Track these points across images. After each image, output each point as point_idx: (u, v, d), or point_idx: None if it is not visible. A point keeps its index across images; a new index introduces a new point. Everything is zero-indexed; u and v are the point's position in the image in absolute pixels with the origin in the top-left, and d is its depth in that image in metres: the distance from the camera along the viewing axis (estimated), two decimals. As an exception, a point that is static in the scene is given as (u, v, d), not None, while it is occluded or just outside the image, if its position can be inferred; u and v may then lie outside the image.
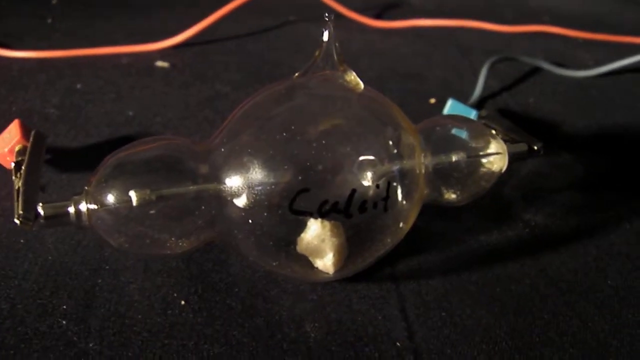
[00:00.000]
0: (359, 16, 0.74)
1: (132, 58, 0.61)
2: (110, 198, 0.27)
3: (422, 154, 0.32)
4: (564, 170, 0.47)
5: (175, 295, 0.31)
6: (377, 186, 0.29)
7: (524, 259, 0.37)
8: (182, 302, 0.31)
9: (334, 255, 0.31)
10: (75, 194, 0.28)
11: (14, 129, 0.39)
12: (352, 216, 0.29)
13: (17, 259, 0.33)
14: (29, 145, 0.33)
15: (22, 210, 0.26)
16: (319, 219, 0.30)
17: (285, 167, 0.28)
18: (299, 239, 0.31)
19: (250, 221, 0.28)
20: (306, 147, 0.28)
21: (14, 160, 0.34)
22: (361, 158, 0.29)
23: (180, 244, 0.29)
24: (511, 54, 0.64)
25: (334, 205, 0.28)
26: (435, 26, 0.75)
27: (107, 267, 0.33)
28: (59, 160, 0.43)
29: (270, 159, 0.28)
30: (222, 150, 0.29)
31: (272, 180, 0.28)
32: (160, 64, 0.60)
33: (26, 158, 0.31)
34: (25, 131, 0.38)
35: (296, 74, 0.31)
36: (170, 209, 0.28)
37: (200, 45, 0.65)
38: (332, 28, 0.31)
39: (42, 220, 0.27)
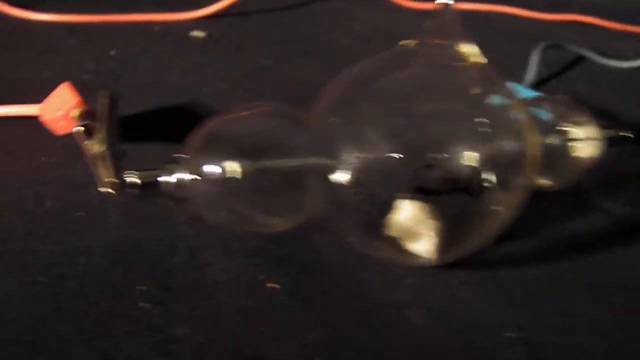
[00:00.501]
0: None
1: (165, 27, 0.57)
2: (212, 168, 0.24)
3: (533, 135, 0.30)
4: (630, 159, 0.45)
5: (262, 277, 0.28)
6: (496, 166, 0.27)
7: (613, 247, 0.34)
8: (275, 285, 0.28)
9: (434, 239, 0.29)
10: (165, 162, 0.25)
11: (66, 93, 0.35)
12: (473, 193, 0.26)
13: (76, 234, 0.30)
14: (100, 107, 0.29)
15: (115, 177, 0.23)
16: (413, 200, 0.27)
17: (401, 140, 0.25)
18: (388, 220, 0.28)
19: (357, 198, 0.26)
20: (424, 120, 0.26)
21: (76, 124, 0.31)
22: (481, 135, 0.27)
23: (281, 221, 0.26)
24: (552, 41, 0.62)
25: (455, 183, 0.26)
26: (469, 10, 0.72)
27: (181, 244, 0.30)
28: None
29: (384, 131, 0.25)
30: (331, 120, 0.26)
31: (384, 154, 0.25)
32: (195, 33, 0.56)
33: (105, 121, 0.27)
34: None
35: (403, 41, 0.29)
36: (274, 182, 0.25)
37: (233, 16, 0.61)
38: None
39: (133, 189, 0.24)
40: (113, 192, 0.23)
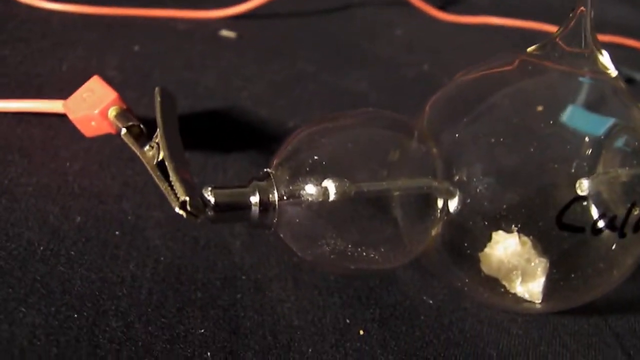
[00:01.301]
0: (429, 7, 0.67)
1: (190, 25, 0.52)
2: (308, 188, 0.19)
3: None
4: None
5: (348, 321, 0.23)
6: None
7: None
8: (361, 332, 0.23)
9: (544, 281, 0.24)
10: (255, 178, 0.20)
11: (98, 87, 0.30)
12: (625, 235, 0.22)
13: (115, 259, 0.25)
14: (160, 106, 0.24)
15: (187, 195, 0.18)
16: (515, 233, 0.23)
17: (555, 165, 0.21)
18: (483, 254, 0.24)
19: (489, 231, 0.21)
20: (562, 140, 0.21)
21: (120, 125, 0.26)
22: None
23: (381, 257, 0.21)
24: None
25: (612, 220, 0.21)
26: (500, 25, 0.69)
27: (244, 276, 0.25)
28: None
29: (532, 152, 0.21)
30: (457, 136, 0.21)
31: (537, 180, 0.21)
32: (225, 33, 0.51)
33: (162, 126, 0.22)
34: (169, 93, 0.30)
35: (531, 47, 0.24)
36: (387, 209, 0.20)
37: (263, 17, 0.56)
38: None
39: (212, 212, 0.19)
40: (190, 214, 0.18)
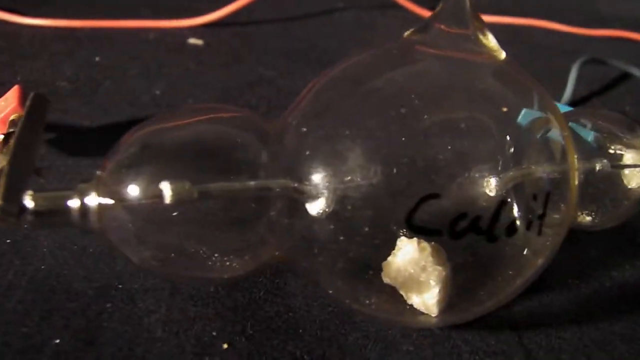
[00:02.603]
0: (415, 6, 0.65)
1: (161, 34, 0.52)
2: (134, 190, 0.18)
3: (576, 157, 0.23)
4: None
5: (214, 334, 0.22)
6: (534, 197, 0.20)
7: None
8: (225, 346, 0.22)
9: (440, 291, 0.22)
10: (83, 182, 0.19)
11: (10, 96, 0.30)
12: (497, 239, 0.20)
13: (-1, 266, 0.24)
14: (27, 112, 0.23)
15: (3, 199, 0.17)
16: (414, 239, 0.21)
17: (406, 159, 0.19)
18: (385, 263, 0.22)
19: (342, 237, 0.19)
20: (425, 133, 0.19)
21: (4, 131, 0.25)
22: (510, 155, 0.20)
23: (229, 264, 0.20)
24: (593, 55, 0.54)
25: (475, 221, 0.19)
26: (499, 23, 0.66)
27: (121, 285, 0.24)
28: (65, 140, 0.34)
29: (370, 147, 0.19)
30: (300, 131, 0.20)
31: (370, 178, 0.19)
32: (193, 41, 0.51)
33: (18, 128, 0.22)
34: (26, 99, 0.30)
35: (408, 32, 0.22)
36: (220, 212, 0.19)
37: (236, 25, 0.56)
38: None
39: (30, 216, 0.18)
40: (2, 219, 0.17)
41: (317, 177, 0.19)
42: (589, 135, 0.28)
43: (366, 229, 0.19)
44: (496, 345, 0.23)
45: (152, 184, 0.18)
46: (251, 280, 0.25)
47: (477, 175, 0.19)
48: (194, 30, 0.53)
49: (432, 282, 0.22)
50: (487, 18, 0.62)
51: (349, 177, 0.19)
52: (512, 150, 0.20)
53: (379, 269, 0.22)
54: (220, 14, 0.54)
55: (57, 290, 0.23)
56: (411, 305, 0.22)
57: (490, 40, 0.23)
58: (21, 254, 0.25)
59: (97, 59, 0.45)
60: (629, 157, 0.27)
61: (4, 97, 0.31)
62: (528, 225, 0.20)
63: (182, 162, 0.19)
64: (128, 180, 0.18)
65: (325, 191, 0.19)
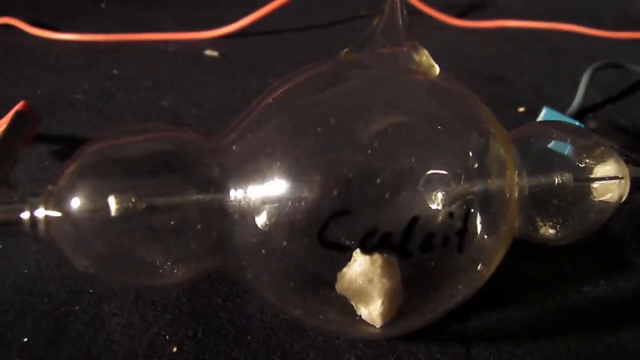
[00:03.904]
0: (439, 14, 0.65)
1: (180, 46, 0.54)
2: (80, 203, 0.20)
3: (516, 172, 0.23)
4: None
5: (167, 337, 0.24)
6: (451, 214, 0.20)
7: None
8: (174, 349, 0.23)
9: (382, 303, 0.23)
10: (34, 194, 0.21)
11: (11, 112, 0.33)
12: (411, 255, 0.20)
13: (-13, 267, 0.27)
14: (7, 126, 0.26)
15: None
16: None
17: (318, 177, 0.20)
18: (340, 274, 0.22)
19: (264, 251, 0.20)
20: (351, 151, 0.20)
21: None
22: (429, 172, 0.20)
23: (171, 272, 0.21)
24: (614, 61, 0.52)
25: (385, 237, 0.20)
26: (523, 27, 0.65)
27: (92, 290, 0.26)
28: (69, 152, 0.36)
29: (297, 163, 0.20)
30: (234, 148, 0.21)
31: (298, 194, 0.20)
32: (209, 52, 0.53)
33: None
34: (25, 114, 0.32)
35: (345, 50, 0.23)
36: (162, 224, 0.20)
37: (256, 35, 0.58)
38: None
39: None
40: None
41: (250, 193, 0.20)
42: (565, 148, 0.27)
43: (284, 243, 0.20)
44: (440, 359, 0.24)
45: (98, 198, 0.20)
46: (212, 287, 0.26)
47: (388, 192, 0.20)
48: (214, 42, 0.55)
49: (376, 295, 0.22)
50: (504, 23, 0.62)
51: (278, 192, 0.20)
52: (441, 165, 0.21)
53: (323, 282, 0.22)
54: (239, 25, 0.56)
55: (34, 293, 0.25)
56: (360, 317, 0.23)
57: (424, 57, 0.23)
58: (8, 259, 0.27)
59: (114, 71, 0.48)
60: (599, 169, 0.27)
61: (9, 114, 0.34)
62: (445, 241, 0.20)
63: (127, 177, 0.20)
64: (75, 193, 0.20)
65: (257, 207, 0.20)
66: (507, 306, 0.27)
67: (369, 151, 0.20)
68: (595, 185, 0.26)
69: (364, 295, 0.23)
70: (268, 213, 0.20)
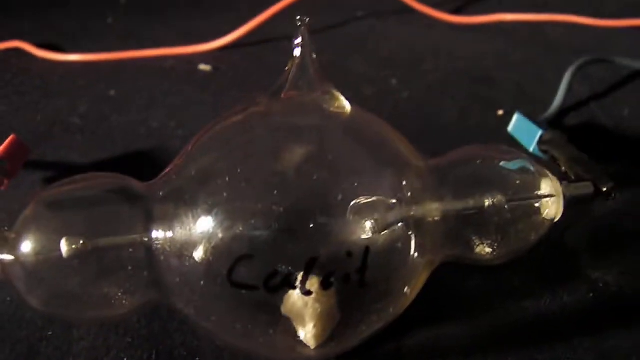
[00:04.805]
0: (433, 11, 0.65)
1: (177, 61, 0.57)
2: (32, 247, 0.23)
3: (434, 199, 0.25)
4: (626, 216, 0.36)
5: (125, 359, 0.26)
6: (349, 253, 0.22)
7: (585, 336, 0.28)
8: (129, 371, 0.26)
9: (315, 326, 0.25)
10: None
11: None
12: (311, 293, 0.22)
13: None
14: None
15: None
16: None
17: (227, 223, 0.22)
18: (286, 296, 0.24)
19: (187, 289, 0.23)
20: (253, 199, 0.22)
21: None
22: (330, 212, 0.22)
23: (119, 304, 0.24)
24: (609, 54, 0.52)
25: (287, 277, 0.22)
26: (520, 21, 0.65)
27: (64, 316, 0.29)
28: (61, 178, 0.39)
29: (208, 211, 0.22)
30: (160, 194, 0.23)
31: (209, 239, 0.22)
32: (203, 67, 0.55)
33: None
34: (15, 148, 0.36)
35: (260, 98, 0.25)
36: (102, 263, 0.23)
37: (251, 46, 0.60)
38: (307, 36, 0.24)
39: None
40: None
41: (170, 236, 0.23)
42: (515, 166, 0.28)
43: (201, 282, 0.22)
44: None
45: (49, 241, 0.23)
46: (170, 311, 0.28)
47: (287, 237, 0.22)
48: (209, 55, 0.57)
49: (308, 318, 0.25)
50: (500, 17, 0.61)
51: (192, 239, 0.22)
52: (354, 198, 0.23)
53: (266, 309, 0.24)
54: (234, 37, 0.58)
55: (13, 320, 0.28)
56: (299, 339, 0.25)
57: (337, 98, 0.25)
58: (-2, 287, 0.30)
59: (112, 92, 0.51)
60: (542, 188, 0.28)
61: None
62: (346, 278, 0.22)
63: (74, 221, 0.23)
64: (29, 237, 0.23)
65: (177, 249, 0.22)
66: (445, 323, 0.28)
67: (277, 196, 0.22)
68: (536, 204, 0.27)
69: (300, 318, 0.25)
70: (186, 255, 0.22)
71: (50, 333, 0.28)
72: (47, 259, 0.23)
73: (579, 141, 0.38)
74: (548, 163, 0.34)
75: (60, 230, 0.23)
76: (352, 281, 0.22)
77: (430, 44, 0.60)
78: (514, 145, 0.40)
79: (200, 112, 0.48)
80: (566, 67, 0.48)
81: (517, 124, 0.41)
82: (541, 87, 0.51)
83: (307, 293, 0.22)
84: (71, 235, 0.23)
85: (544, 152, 0.36)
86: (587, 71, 0.49)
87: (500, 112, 0.46)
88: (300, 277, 0.22)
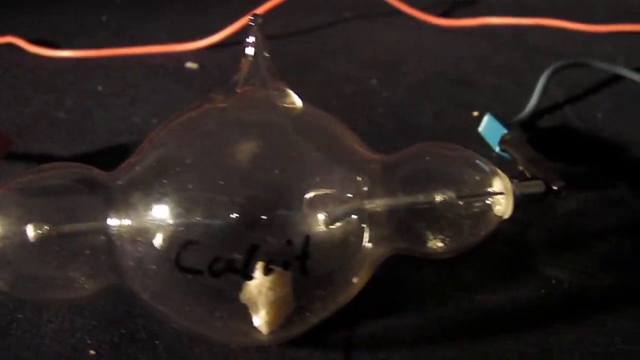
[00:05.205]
0: (421, 13, 0.66)
1: (165, 59, 0.58)
2: (16, 233, 0.24)
3: (386, 193, 0.26)
4: (617, 210, 0.37)
5: (89, 342, 0.28)
6: (289, 242, 0.24)
7: (531, 330, 0.29)
8: (92, 352, 0.27)
9: (267, 313, 0.26)
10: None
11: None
12: (252, 279, 0.24)
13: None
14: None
15: None
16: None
17: (177, 210, 0.23)
18: (245, 284, 0.26)
19: (140, 273, 0.24)
20: (205, 185, 0.24)
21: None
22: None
23: (81, 288, 0.25)
24: (587, 58, 0.53)
25: (230, 262, 0.23)
26: (506, 24, 0.66)
27: (35, 299, 0.30)
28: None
29: (159, 199, 0.23)
30: (119, 183, 0.25)
31: (158, 225, 0.23)
32: (189, 65, 0.57)
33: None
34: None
35: (215, 96, 0.27)
36: (64, 248, 0.24)
37: (238, 45, 0.61)
38: (260, 35, 0.25)
39: None
40: None
41: (125, 223, 0.24)
42: (466, 164, 0.30)
43: (153, 267, 0.24)
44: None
45: (16, 226, 0.24)
46: (133, 296, 0.30)
47: (230, 224, 0.23)
48: (197, 53, 0.59)
49: (261, 305, 0.26)
50: (486, 20, 0.62)
51: (144, 225, 0.24)
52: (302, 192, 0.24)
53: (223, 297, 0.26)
54: (222, 35, 0.59)
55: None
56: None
57: (288, 95, 0.26)
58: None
59: (99, 88, 0.52)
60: (493, 186, 0.29)
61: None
62: (285, 265, 0.24)
63: (40, 208, 0.25)
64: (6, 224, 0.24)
65: (131, 235, 0.24)
66: (398, 314, 0.29)
67: (225, 186, 0.23)
68: (487, 201, 0.28)
69: (255, 305, 0.26)
70: (140, 241, 0.23)
71: (20, 316, 0.29)
72: (13, 243, 0.24)
73: (550, 143, 0.39)
74: (510, 162, 0.36)
75: (26, 216, 0.24)
76: (293, 268, 0.24)
77: (415, 46, 0.62)
78: (484, 145, 0.42)
79: (183, 109, 0.49)
80: (543, 71, 0.50)
81: (487, 124, 0.42)
82: (518, 90, 0.52)
83: (249, 278, 0.24)
84: (37, 221, 0.24)
85: (504, 151, 0.37)
86: (563, 75, 0.51)
87: (475, 114, 0.47)
88: (241, 263, 0.24)
